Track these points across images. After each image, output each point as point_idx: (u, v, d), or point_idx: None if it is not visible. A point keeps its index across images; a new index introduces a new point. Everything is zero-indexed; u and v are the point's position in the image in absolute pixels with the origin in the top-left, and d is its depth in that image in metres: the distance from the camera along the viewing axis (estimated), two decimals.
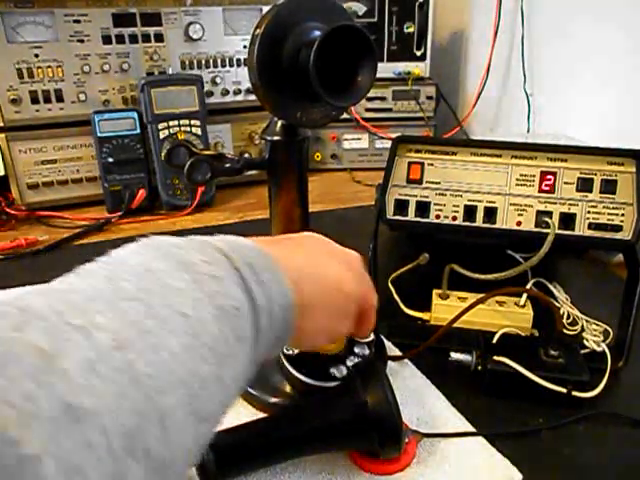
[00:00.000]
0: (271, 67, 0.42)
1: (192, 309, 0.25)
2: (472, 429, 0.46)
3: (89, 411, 0.19)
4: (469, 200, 0.58)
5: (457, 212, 0.59)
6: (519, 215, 0.57)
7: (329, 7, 0.43)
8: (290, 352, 0.49)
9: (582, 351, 0.53)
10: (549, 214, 0.57)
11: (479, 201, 0.58)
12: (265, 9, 1.02)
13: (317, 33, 0.41)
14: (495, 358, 0.50)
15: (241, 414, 0.48)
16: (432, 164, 0.59)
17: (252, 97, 1.06)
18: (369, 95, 1.22)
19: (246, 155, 1.09)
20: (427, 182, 0.59)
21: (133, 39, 0.95)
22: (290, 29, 0.42)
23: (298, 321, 0.33)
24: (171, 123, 0.95)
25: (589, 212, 0.56)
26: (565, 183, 0.56)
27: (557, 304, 0.63)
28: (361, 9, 1.14)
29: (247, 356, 0.28)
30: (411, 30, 1.15)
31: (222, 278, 0.27)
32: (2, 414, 0.17)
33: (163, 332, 0.23)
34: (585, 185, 0.56)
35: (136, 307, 0.23)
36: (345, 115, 1.14)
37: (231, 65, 1.04)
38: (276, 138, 0.48)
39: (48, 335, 0.20)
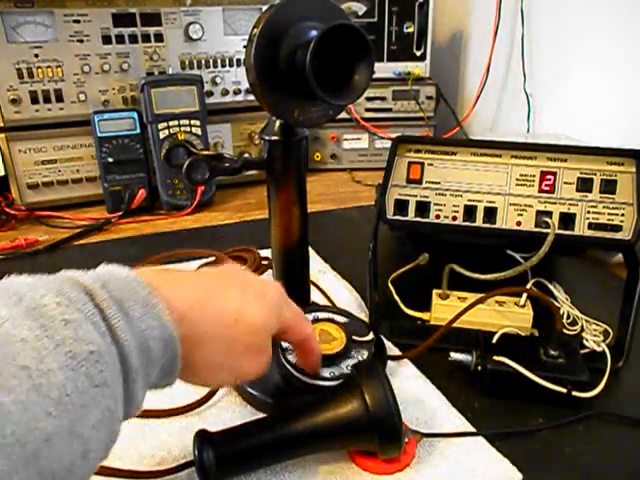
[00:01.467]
0: (268, 67, 0.42)
1: (34, 360, 0.23)
2: (472, 429, 0.46)
3: None
4: (469, 200, 0.58)
5: (457, 212, 0.59)
6: (519, 215, 0.57)
7: (326, 7, 0.43)
8: (290, 352, 0.49)
9: (582, 351, 0.53)
10: (549, 214, 0.57)
11: (479, 201, 0.58)
12: (264, 9, 1.02)
13: (314, 32, 0.41)
14: (495, 358, 0.49)
15: (241, 414, 0.48)
16: (432, 164, 0.59)
17: (252, 97, 1.05)
18: (369, 95, 1.23)
19: (246, 155, 1.09)
20: (427, 182, 0.59)
21: (133, 39, 0.95)
22: (287, 29, 0.42)
23: (189, 354, 0.32)
24: (171, 123, 0.95)
25: (589, 212, 0.56)
26: (565, 183, 0.56)
27: (557, 304, 0.63)
28: (361, 9, 1.14)
29: (114, 398, 0.27)
30: (411, 30, 1.15)
31: (76, 321, 0.26)
32: None
33: None
34: (585, 185, 0.56)
35: None
36: (345, 115, 1.15)
37: (231, 65, 1.04)
38: (274, 138, 0.48)
39: None
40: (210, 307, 0.34)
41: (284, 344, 0.49)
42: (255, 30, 0.42)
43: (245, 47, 0.43)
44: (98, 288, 0.28)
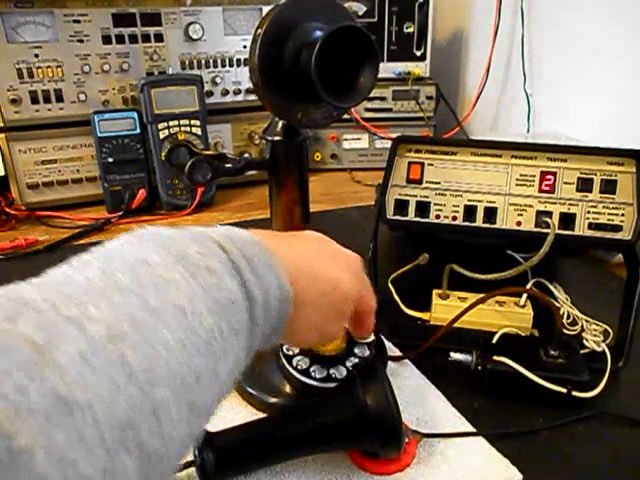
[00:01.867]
0: (272, 67, 0.42)
1: (187, 302, 0.25)
2: (472, 429, 0.46)
3: (81, 404, 0.19)
4: (469, 200, 0.58)
5: (457, 212, 0.59)
6: (519, 215, 0.57)
7: (331, 7, 0.43)
8: (290, 352, 0.49)
9: (582, 351, 0.53)
10: (549, 214, 0.57)
11: (479, 201, 0.58)
12: (265, 9, 1.02)
13: (319, 33, 0.41)
14: (495, 358, 0.50)
15: (241, 414, 0.48)
16: (432, 164, 0.59)
17: (252, 97, 1.06)
18: (369, 95, 1.22)
19: (246, 155, 1.09)
20: (427, 182, 0.59)
21: (133, 39, 0.95)
22: (292, 29, 0.42)
23: (293, 316, 0.34)
24: (171, 123, 0.95)
25: (589, 212, 0.56)
26: (565, 183, 0.56)
27: (557, 304, 0.63)
28: (361, 9, 1.14)
29: (242, 349, 0.28)
30: (411, 30, 1.15)
31: (218, 270, 0.27)
32: None
33: (158, 325, 0.23)
34: (585, 185, 0.56)
35: (130, 300, 0.23)
36: (345, 115, 1.14)
37: (231, 65, 1.04)
38: (277, 138, 0.48)
39: (41, 327, 0.20)
40: (314, 275, 0.36)
41: (284, 346, 0.49)
42: (259, 30, 0.42)
43: (246, 47, 0.43)
44: (229, 244, 0.30)
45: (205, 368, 0.25)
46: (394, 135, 0.63)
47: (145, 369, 0.22)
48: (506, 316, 0.59)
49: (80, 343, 0.20)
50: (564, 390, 0.47)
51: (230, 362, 0.27)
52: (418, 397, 0.50)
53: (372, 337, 0.52)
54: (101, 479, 0.19)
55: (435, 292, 0.62)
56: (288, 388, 0.48)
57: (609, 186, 0.55)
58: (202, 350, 0.25)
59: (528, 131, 1.09)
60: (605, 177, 0.55)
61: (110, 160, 0.93)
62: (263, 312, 0.30)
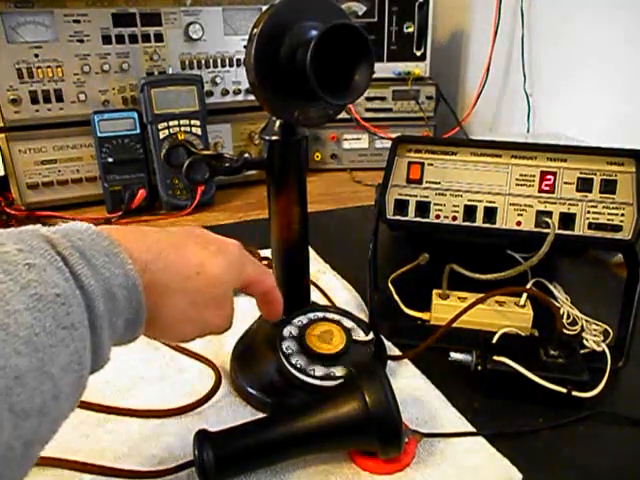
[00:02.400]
0: (269, 66, 0.42)
1: (1, 301, 0.24)
2: (472, 429, 0.46)
3: None
4: (469, 200, 0.58)
5: (457, 212, 0.59)
6: (519, 215, 0.57)
7: (326, 6, 0.43)
8: (290, 352, 0.49)
9: (582, 351, 0.53)
10: (549, 214, 0.57)
11: (479, 201, 0.58)
12: (264, 9, 1.02)
13: (314, 32, 0.41)
14: (495, 358, 0.50)
15: (241, 414, 0.48)
16: (432, 164, 0.59)
17: (252, 97, 1.06)
18: (369, 95, 1.23)
19: (246, 155, 1.09)
20: (427, 182, 0.59)
21: (133, 39, 0.95)
22: (287, 28, 0.42)
23: (152, 305, 0.33)
24: (171, 123, 0.95)
25: (589, 212, 0.56)
26: (565, 183, 0.56)
27: (557, 304, 0.63)
28: (361, 9, 1.14)
29: (82, 342, 0.27)
30: (411, 30, 1.15)
31: (40, 265, 0.26)
32: None
33: None
34: (585, 185, 0.56)
35: None
36: (345, 115, 1.15)
37: (231, 65, 1.04)
38: (275, 138, 0.48)
39: None
40: (172, 259, 0.35)
41: (284, 346, 0.49)
42: (255, 30, 0.42)
43: (245, 47, 0.43)
44: (59, 237, 0.29)
45: (27, 367, 0.24)
46: (394, 135, 0.63)
47: None
48: (506, 316, 0.59)
49: None
50: (564, 390, 0.47)
51: (64, 357, 0.26)
52: (418, 397, 0.50)
53: (372, 336, 0.52)
54: None
55: (435, 292, 0.62)
56: (288, 388, 0.48)
57: (609, 186, 0.55)
58: (21, 349, 0.24)
59: (528, 131, 1.09)
60: (605, 177, 0.55)
61: (110, 160, 0.93)
62: (106, 304, 0.29)
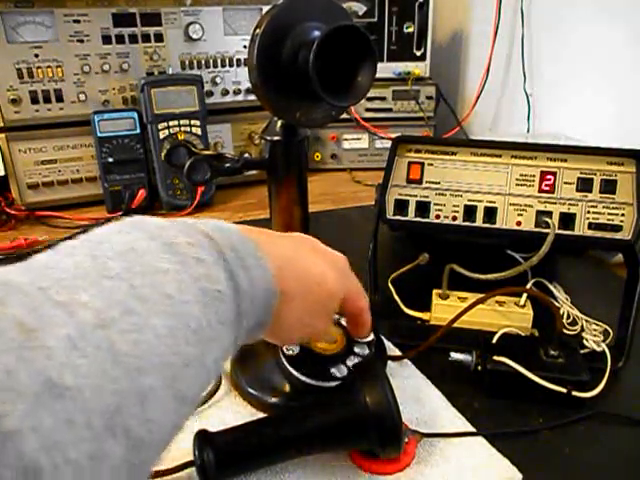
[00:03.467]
0: (271, 67, 0.42)
1: (176, 291, 0.25)
2: (472, 429, 0.46)
3: (70, 388, 0.19)
4: (469, 200, 0.58)
5: (457, 212, 0.59)
6: (519, 215, 0.57)
7: (329, 7, 0.43)
8: (290, 352, 0.49)
9: (582, 351, 0.53)
10: (549, 214, 0.57)
11: (479, 201, 0.58)
12: (265, 9, 1.02)
13: (317, 33, 0.41)
14: (495, 358, 0.50)
15: (241, 414, 0.48)
16: (432, 164, 0.59)
17: (252, 97, 1.06)
18: (369, 95, 1.22)
19: (246, 155, 1.09)
20: (427, 182, 0.59)
21: (133, 39, 0.95)
22: (290, 29, 0.42)
23: (278, 309, 0.34)
24: (171, 123, 0.95)
25: (589, 212, 0.56)
26: (565, 183, 0.56)
27: (557, 304, 0.63)
28: (361, 9, 1.14)
29: (229, 339, 0.28)
30: (411, 30, 1.15)
31: (207, 261, 0.27)
32: None
33: (147, 312, 0.23)
34: (585, 185, 0.56)
35: (120, 286, 0.23)
36: (345, 115, 1.14)
37: (231, 65, 1.04)
38: (276, 138, 0.48)
39: (31, 310, 0.20)
40: (299, 268, 0.36)
41: (284, 347, 0.49)
42: (258, 30, 0.42)
43: (246, 47, 0.43)
44: (218, 235, 0.30)
45: (193, 357, 0.25)
46: (394, 135, 0.63)
47: (133, 356, 0.22)
48: (506, 316, 0.59)
49: (69, 328, 0.20)
50: (564, 390, 0.47)
51: (216, 352, 0.27)
52: (418, 397, 0.50)
53: (372, 337, 0.52)
54: (87, 464, 0.19)
55: (435, 292, 0.62)
56: (288, 388, 0.48)
57: (609, 186, 0.55)
58: (190, 339, 0.25)
59: (528, 131, 1.09)
60: (605, 177, 0.55)
61: (110, 160, 0.93)
62: (250, 304, 0.30)
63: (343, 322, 0.53)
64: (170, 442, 0.25)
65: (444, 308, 0.60)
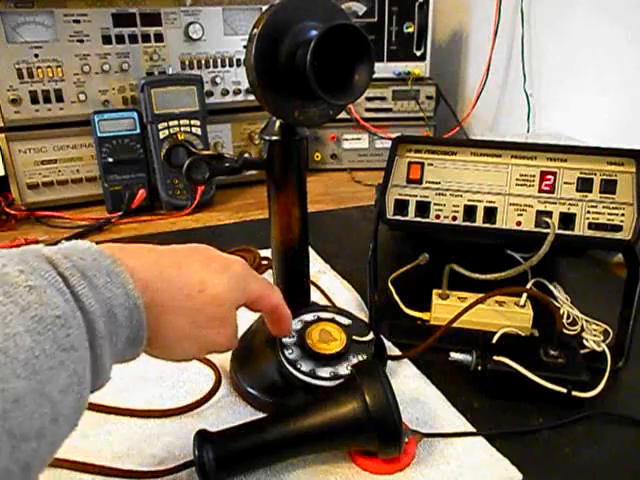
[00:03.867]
0: (269, 66, 0.42)
1: (0, 324, 0.24)
2: (472, 429, 0.46)
3: None
4: (469, 200, 0.58)
5: (457, 212, 0.59)
6: (519, 215, 0.57)
7: (326, 7, 0.43)
8: (290, 352, 0.49)
9: (582, 351, 0.53)
10: (549, 214, 0.57)
11: (479, 201, 0.58)
12: (264, 9, 1.02)
13: (314, 32, 0.41)
14: (495, 358, 0.50)
15: (241, 414, 0.48)
16: (432, 164, 0.59)
17: (252, 97, 1.06)
18: (369, 95, 1.22)
19: (246, 155, 1.09)
20: (427, 182, 0.59)
21: (133, 39, 0.95)
22: (287, 28, 0.42)
23: (153, 323, 0.33)
24: (171, 123, 0.95)
25: (589, 212, 0.56)
26: (565, 183, 0.56)
27: (557, 304, 0.63)
28: (361, 9, 1.14)
29: (82, 362, 0.27)
30: (411, 30, 1.15)
31: (41, 287, 0.26)
32: None
33: None
34: (585, 185, 0.56)
35: None
36: (345, 115, 1.15)
37: (231, 65, 1.04)
38: (275, 138, 0.48)
39: None
40: (173, 278, 0.35)
41: (284, 347, 0.49)
42: (255, 30, 0.42)
43: (245, 47, 0.43)
44: (61, 258, 0.29)
45: (26, 390, 0.23)
46: (394, 135, 0.63)
47: None
48: (506, 316, 0.59)
49: None
50: (564, 390, 0.47)
51: (63, 379, 0.26)
52: (418, 397, 0.50)
53: (372, 336, 0.52)
54: None
55: (435, 292, 0.62)
56: (288, 388, 0.48)
57: (609, 186, 0.55)
58: (19, 372, 0.23)
59: (528, 131, 1.09)
60: (605, 177, 0.55)
61: (110, 160, 0.93)
62: (106, 324, 0.29)
63: (341, 320, 0.53)
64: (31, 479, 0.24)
65: (444, 308, 0.60)
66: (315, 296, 0.65)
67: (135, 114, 0.94)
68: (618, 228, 0.55)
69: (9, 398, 0.23)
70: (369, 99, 1.15)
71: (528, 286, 0.64)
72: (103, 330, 0.29)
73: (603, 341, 0.56)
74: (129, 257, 0.32)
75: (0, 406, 0.22)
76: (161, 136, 0.94)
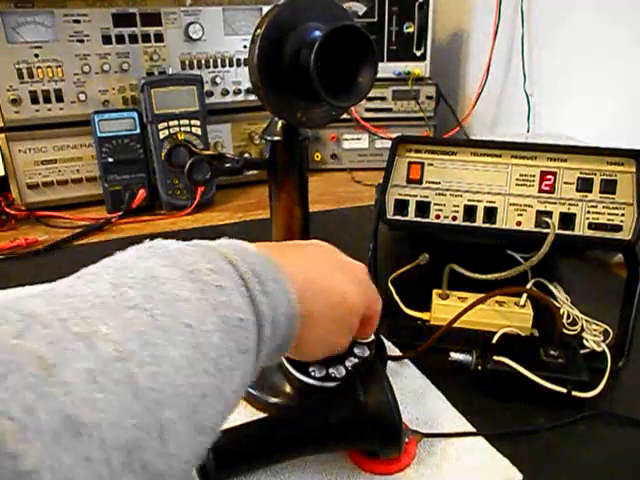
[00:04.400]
0: (272, 67, 0.42)
1: (196, 320, 0.24)
2: (472, 429, 0.46)
3: (89, 425, 0.19)
4: (469, 200, 0.58)
5: (457, 212, 0.59)
6: (519, 215, 0.57)
7: (330, 7, 0.43)
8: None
9: (582, 351, 0.53)
10: (549, 214, 0.57)
11: (479, 201, 0.58)
12: (265, 9, 1.02)
13: (318, 33, 0.41)
14: (495, 358, 0.50)
15: (241, 414, 0.48)
16: (432, 164, 0.59)
17: (252, 97, 1.06)
18: (369, 95, 1.22)
19: (246, 155, 1.09)
20: (427, 182, 0.59)
21: (133, 39, 0.95)
22: (291, 29, 0.42)
23: (300, 331, 0.33)
24: (171, 123, 0.95)
25: (589, 212, 0.56)
26: (565, 183, 0.56)
27: (557, 304, 0.63)
28: (361, 9, 1.14)
29: (249, 367, 0.28)
30: (411, 30, 1.15)
31: (228, 288, 0.27)
32: (1, 427, 0.17)
33: (166, 343, 0.23)
34: (585, 185, 0.56)
35: (140, 317, 0.23)
36: (345, 115, 1.14)
37: (231, 65, 1.04)
38: (276, 138, 0.48)
39: (50, 343, 0.20)
40: (321, 288, 0.36)
41: None
42: (258, 30, 0.42)
43: (246, 47, 0.43)
44: (239, 260, 0.29)
45: (212, 387, 0.24)
46: (394, 135, 0.63)
47: (153, 389, 0.21)
48: (506, 316, 0.59)
49: (89, 361, 0.20)
50: (564, 390, 0.47)
51: (236, 381, 0.27)
52: (418, 397, 0.50)
53: (372, 336, 0.52)
54: None
55: (435, 292, 0.62)
56: (288, 388, 0.48)
57: (609, 186, 0.55)
58: (209, 369, 0.24)
59: (528, 131, 1.09)
60: (605, 177, 0.55)
61: (110, 160, 0.93)
62: (271, 329, 0.30)
63: None
64: (190, 472, 0.25)
65: (444, 308, 0.60)
66: None
67: (135, 114, 0.94)
68: (618, 228, 0.55)
69: (199, 393, 0.24)
70: (369, 99, 1.15)
71: (528, 286, 0.64)
72: (267, 337, 0.29)
73: (603, 341, 0.56)
74: (287, 263, 0.33)
75: (193, 400, 0.23)
76: (161, 136, 0.94)
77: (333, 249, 0.41)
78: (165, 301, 0.24)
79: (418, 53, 1.17)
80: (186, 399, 0.23)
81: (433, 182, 0.59)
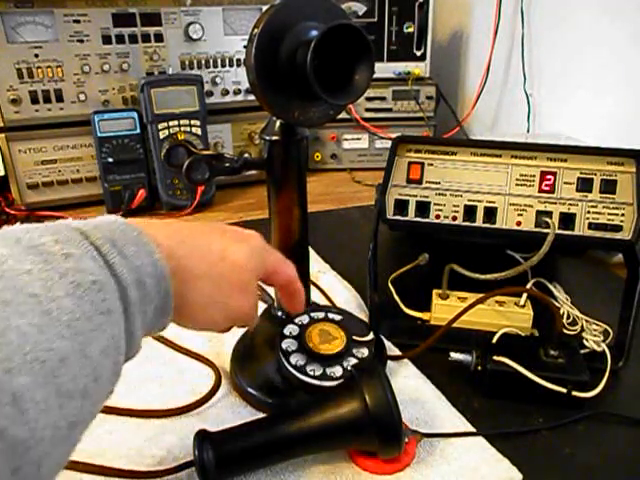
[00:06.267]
0: (269, 66, 0.42)
1: (42, 289, 0.25)
2: (472, 429, 0.46)
3: None
4: (469, 200, 0.58)
5: (457, 212, 0.59)
6: (519, 215, 0.57)
7: (326, 7, 0.43)
8: (290, 352, 0.49)
9: (582, 351, 0.53)
10: (549, 214, 0.57)
11: (479, 201, 0.58)
12: (265, 9, 1.02)
13: (314, 32, 0.41)
14: (495, 358, 0.50)
15: (241, 414, 0.48)
16: (432, 164, 0.59)
17: (252, 97, 1.05)
18: (369, 95, 1.23)
19: (246, 155, 1.09)
20: (427, 182, 0.59)
21: (133, 39, 0.95)
22: (287, 28, 0.42)
23: (180, 290, 0.34)
24: (171, 123, 0.95)
25: (589, 212, 0.56)
26: (565, 183, 0.56)
27: (557, 304, 0.63)
28: (361, 9, 1.14)
29: (117, 327, 0.28)
30: (411, 30, 1.15)
31: (75, 255, 0.27)
32: None
33: (9, 315, 0.23)
34: (585, 185, 0.56)
35: None
36: (345, 115, 1.15)
37: (231, 65, 1.04)
38: (275, 138, 0.48)
39: None
40: (196, 245, 0.36)
41: (284, 346, 0.49)
42: (256, 30, 0.42)
43: (245, 47, 0.43)
44: (91, 229, 0.30)
45: (70, 350, 0.25)
46: (394, 135, 0.63)
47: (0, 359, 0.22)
48: (506, 316, 0.59)
49: None
50: (564, 390, 0.47)
51: (102, 342, 0.27)
52: (418, 397, 0.50)
53: (371, 336, 0.52)
54: None
55: (435, 292, 0.62)
56: (288, 388, 0.48)
57: (609, 186, 0.55)
58: (64, 333, 0.25)
59: (528, 131, 1.09)
60: (605, 177, 0.55)
61: (110, 160, 0.93)
62: (138, 291, 0.30)
63: (341, 320, 0.53)
64: (73, 438, 0.25)
65: (444, 308, 0.60)
66: (315, 296, 0.65)
67: (135, 114, 0.94)
68: (618, 228, 0.55)
69: (56, 357, 0.24)
70: (369, 99, 1.15)
71: (528, 286, 0.64)
72: (135, 297, 0.30)
73: (603, 341, 0.56)
74: (153, 228, 0.34)
75: (49, 365, 0.23)
76: (161, 136, 0.94)
77: (221, 223, 0.41)
78: (6, 277, 0.25)
79: (418, 53, 1.17)
80: (39, 364, 0.23)
81: (433, 182, 0.59)
